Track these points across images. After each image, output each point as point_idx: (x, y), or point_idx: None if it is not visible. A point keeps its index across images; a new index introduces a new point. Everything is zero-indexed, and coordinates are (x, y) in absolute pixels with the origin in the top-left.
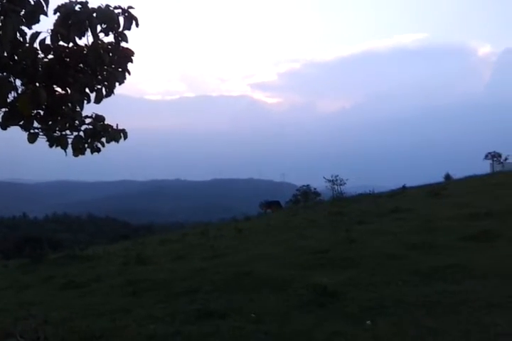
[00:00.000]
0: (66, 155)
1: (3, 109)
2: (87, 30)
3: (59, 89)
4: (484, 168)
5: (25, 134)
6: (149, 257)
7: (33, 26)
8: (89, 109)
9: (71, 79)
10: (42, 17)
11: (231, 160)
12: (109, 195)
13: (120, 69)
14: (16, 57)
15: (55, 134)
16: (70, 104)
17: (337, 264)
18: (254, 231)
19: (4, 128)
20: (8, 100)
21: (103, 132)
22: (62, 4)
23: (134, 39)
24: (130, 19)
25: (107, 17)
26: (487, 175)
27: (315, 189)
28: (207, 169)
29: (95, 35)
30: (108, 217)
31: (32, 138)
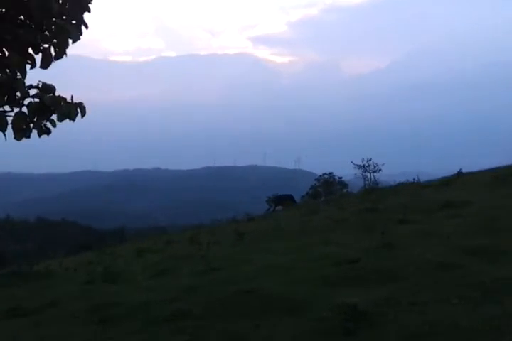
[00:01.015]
0: (6, 139)
1: None
2: None
3: None
4: None
5: None
6: (121, 273)
7: None
8: (34, 76)
9: (8, 37)
10: None
11: (228, 142)
12: (65, 191)
13: (73, 22)
14: None
15: None
16: (7, 70)
17: (370, 278)
18: (260, 235)
19: None
20: None
21: (53, 107)
22: None
23: None
24: None
25: None
26: None
27: (340, 178)
28: (196, 154)
29: None
30: (64, 220)
31: None
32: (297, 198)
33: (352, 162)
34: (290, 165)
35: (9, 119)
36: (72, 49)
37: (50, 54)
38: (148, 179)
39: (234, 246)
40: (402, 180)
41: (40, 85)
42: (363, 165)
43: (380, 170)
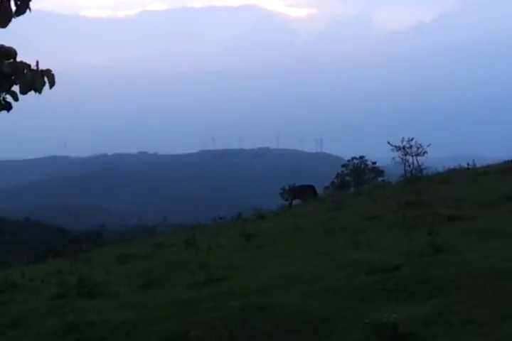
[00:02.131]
0: None
1: None
2: None
3: None
4: None
5: None
6: (100, 284)
7: None
8: None
9: None
10: None
11: (231, 119)
12: (27, 182)
13: None
14: None
15: None
16: None
17: (414, 289)
18: (274, 237)
19: None
20: None
21: (15, 76)
22: None
23: None
24: None
25: None
26: None
27: (373, 163)
28: (191, 135)
29: None
30: (27, 219)
31: None
32: (319, 189)
33: (389, 143)
34: (310, 147)
35: None
36: (36, 3)
37: (10, 9)
38: (132, 166)
39: (241, 251)
40: (453, 165)
41: None
42: (403, 147)
43: (424, 152)
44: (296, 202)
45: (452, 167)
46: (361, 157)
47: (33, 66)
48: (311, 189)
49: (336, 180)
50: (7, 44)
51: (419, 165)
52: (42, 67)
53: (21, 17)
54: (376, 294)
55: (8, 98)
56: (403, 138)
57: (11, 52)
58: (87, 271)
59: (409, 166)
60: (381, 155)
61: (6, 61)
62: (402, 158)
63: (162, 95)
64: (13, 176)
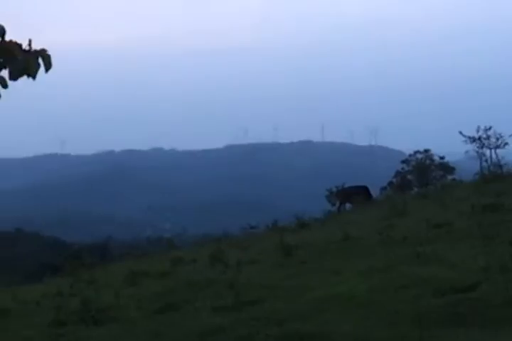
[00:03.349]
0: None
1: None
2: None
3: None
4: None
5: None
6: (107, 309)
7: None
8: None
9: None
10: None
11: (265, 107)
12: (20, 185)
13: None
14: None
15: None
16: None
17: (494, 314)
18: (319, 250)
19: None
20: None
21: (3, 58)
22: None
23: None
24: None
25: None
26: None
27: (442, 158)
28: (216, 127)
29: None
30: (20, 230)
31: None
32: (375, 191)
33: (461, 133)
34: (362, 140)
35: None
36: None
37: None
38: (145, 165)
39: (278, 268)
40: None
41: None
42: (479, 138)
43: (505, 144)
44: (346, 206)
45: None
46: (426, 150)
47: (25, 46)
48: (364, 190)
49: (395, 179)
50: None
51: (499, 160)
52: (35, 46)
53: None
54: (446, 320)
55: None
56: (479, 126)
57: None
58: (92, 292)
59: (487, 161)
60: (451, 148)
61: None
62: (477, 152)
63: (178, 79)
64: (2, 179)
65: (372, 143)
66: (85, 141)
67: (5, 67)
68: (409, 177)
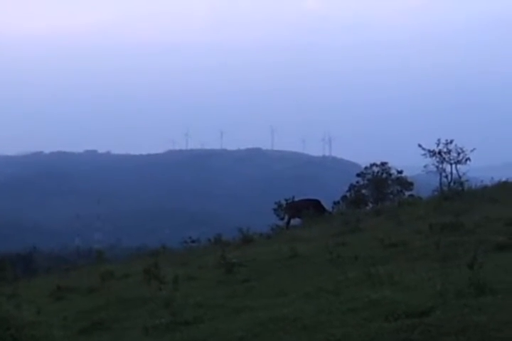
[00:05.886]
0: None
1: None
2: None
3: None
4: None
5: None
6: (29, 326)
7: None
8: None
9: None
10: None
11: (209, 111)
12: None
13: None
14: None
15: None
16: None
17: None
18: (264, 268)
19: None
20: None
21: None
22: None
23: None
24: None
25: None
26: None
27: (400, 172)
28: (156, 131)
29: None
30: None
31: None
32: (327, 205)
33: (420, 146)
34: (315, 149)
35: None
36: None
37: None
38: (76, 169)
39: (219, 286)
40: (505, 176)
41: None
42: (439, 152)
43: (467, 159)
44: (295, 221)
45: (503, 179)
46: (383, 163)
47: None
48: (315, 204)
49: (349, 194)
50: None
51: (460, 176)
52: None
53: None
54: None
55: None
56: (439, 140)
57: None
58: (12, 308)
59: (447, 177)
60: (409, 161)
61: None
62: (437, 167)
63: (115, 79)
64: None
65: (326, 153)
66: (11, 140)
67: None
68: (364, 191)
